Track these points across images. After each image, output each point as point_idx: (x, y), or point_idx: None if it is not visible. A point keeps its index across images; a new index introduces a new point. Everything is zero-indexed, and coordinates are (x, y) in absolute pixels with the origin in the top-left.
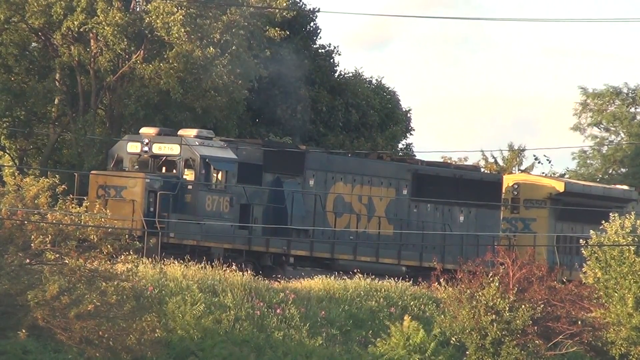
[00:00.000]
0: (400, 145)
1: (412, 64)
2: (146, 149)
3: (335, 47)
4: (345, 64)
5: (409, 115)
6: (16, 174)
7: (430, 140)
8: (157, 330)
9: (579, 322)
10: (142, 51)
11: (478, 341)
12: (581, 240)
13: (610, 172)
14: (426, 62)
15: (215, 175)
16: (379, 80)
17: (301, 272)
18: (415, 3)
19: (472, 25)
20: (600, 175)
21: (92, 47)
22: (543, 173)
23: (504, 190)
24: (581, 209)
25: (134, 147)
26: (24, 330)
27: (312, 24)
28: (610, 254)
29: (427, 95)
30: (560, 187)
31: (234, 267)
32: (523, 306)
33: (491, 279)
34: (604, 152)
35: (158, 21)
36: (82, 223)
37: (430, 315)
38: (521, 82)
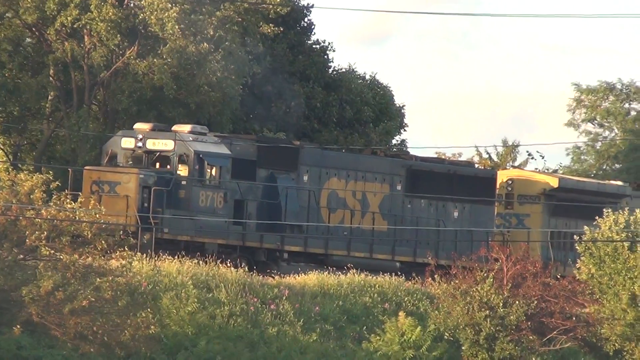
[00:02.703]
0: (394, 141)
1: (410, 60)
2: (140, 144)
3: (329, 43)
4: (341, 60)
5: (402, 111)
6: (10, 169)
7: (428, 136)
8: (152, 326)
9: (573, 318)
10: (135, 47)
11: (472, 337)
12: (575, 236)
13: (604, 167)
14: (425, 57)
15: (209, 170)
16: (373, 75)
17: (295, 268)
18: None
19: (471, 21)
20: (594, 171)
21: (86, 43)
22: (536, 169)
23: (498, 186)
24: (575, 205)
25: (127, 143)
26: (18, 326)
27: (306, 19)
28: (604, 250)
29: (425, 91)
30: (554, 182)
31: (228, 262)
32: (517, 302)
33: (485, 275)
34: (598, 148)
35: (152, 17)
36: (76, 219)
37: (424, 311)
38: (518, 78)
